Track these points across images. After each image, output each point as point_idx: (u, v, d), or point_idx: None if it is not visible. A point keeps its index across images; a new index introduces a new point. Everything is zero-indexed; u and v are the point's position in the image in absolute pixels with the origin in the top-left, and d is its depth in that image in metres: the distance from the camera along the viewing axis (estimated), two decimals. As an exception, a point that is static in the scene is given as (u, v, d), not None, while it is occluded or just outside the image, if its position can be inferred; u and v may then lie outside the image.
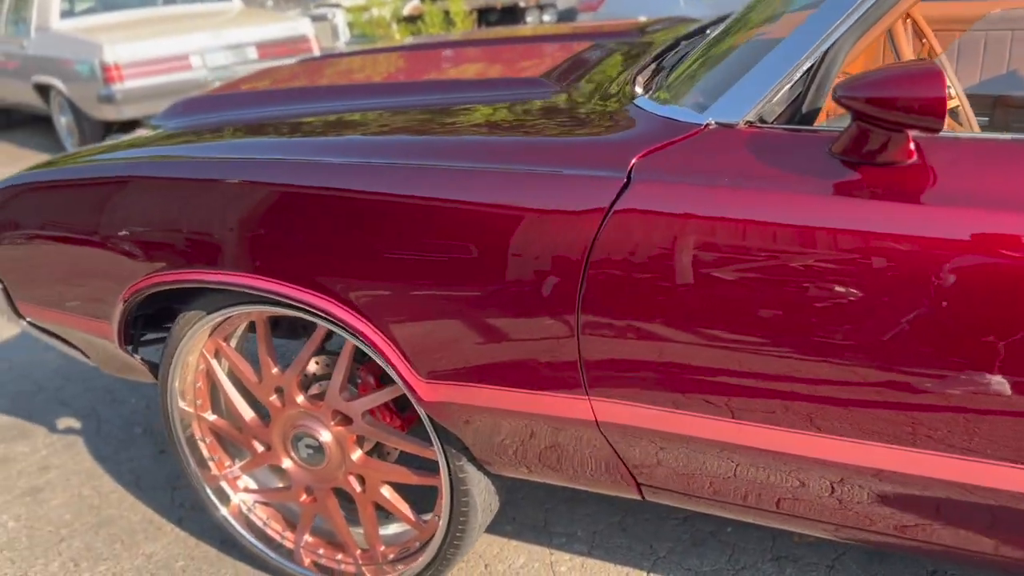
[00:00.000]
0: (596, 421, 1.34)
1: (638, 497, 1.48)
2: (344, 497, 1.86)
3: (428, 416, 1.56)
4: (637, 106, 1.34)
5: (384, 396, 1.63)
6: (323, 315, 1.49)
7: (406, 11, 7.48)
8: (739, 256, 1.13)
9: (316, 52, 6.84)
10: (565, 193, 1.24)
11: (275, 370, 1.71)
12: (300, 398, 1.71)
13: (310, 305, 1.48)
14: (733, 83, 1.21)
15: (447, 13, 6.80)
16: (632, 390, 1.28)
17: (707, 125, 1.21)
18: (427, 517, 1.78)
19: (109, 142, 1.98)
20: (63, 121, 6.81)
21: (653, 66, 1.61)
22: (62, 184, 1.78)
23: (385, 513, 1.87)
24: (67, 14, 6.85)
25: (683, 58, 1.59)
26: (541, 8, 6.77)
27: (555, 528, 2.00)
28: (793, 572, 1.78)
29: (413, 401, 1.54)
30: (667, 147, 1.21)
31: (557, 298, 1.26)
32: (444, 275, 1.34)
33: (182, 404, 1.85)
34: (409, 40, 2.80)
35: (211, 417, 1.86)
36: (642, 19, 2.38)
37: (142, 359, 1.87)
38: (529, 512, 2.06)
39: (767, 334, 1.14)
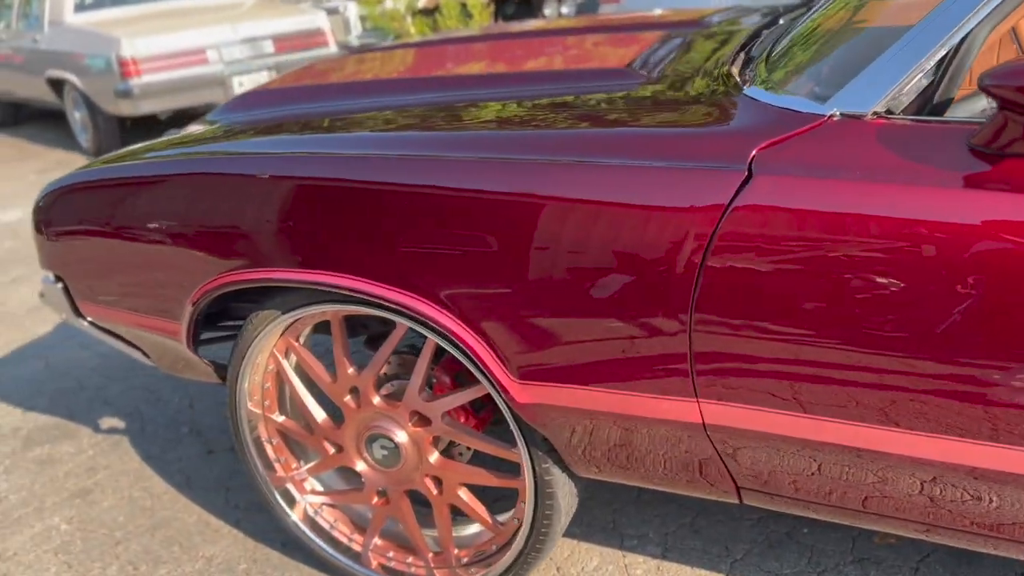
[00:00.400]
0: (703, 424, 1.30)
1: (735, 500, 1.44)
2: (414, 499, 1.82)
3: (514, 418, 1.52)
4: (748, 96, 1.30)
5: (466, 396, 1.59)
6: (410, 314, 1.44)
7: (421, 4, 7.41)
8: (869, 254, 1.09)
9: (332, 46, 6.79)
10: (680, 187, 1.19)
11: (351, 370, 1.67)
12: (376, 399, 1.67)
13: (397, 304, 1.44)
14: (856, 72, 1.17)
15: (464, 5, 6.73)
16: (744, 392, 1.24)
17: (831, 116, 1.16)
18: (502, 519, 1.74)
19: (169, 138, 1.94)
20: (77, 116, 6.75)
21: (743, 55, 1.56)
22: (128, 182, 1.73)
23: (458, 515, 1.84)
24: (81, 7, 6.79)
25: (774, 46, 1.54)
26: (559, 0, 6.71)
27: (626, 530, 1.97)
28: (877, 575, 1.74)
29: (501, 403, 1.50)
30: (789, 139, 1.17)
31: (669, 297, 1.22)
32: (545, 272, 1.30)
33: (249, 405, 1.81)
34: (451, 34, 2.75)
35: (279, 418, 1.82)
36: (704, 8, 2.33)
37: (208, 360, 1.83)
38: (597, 513, 2.03)
39: (896, 334, 1.10)
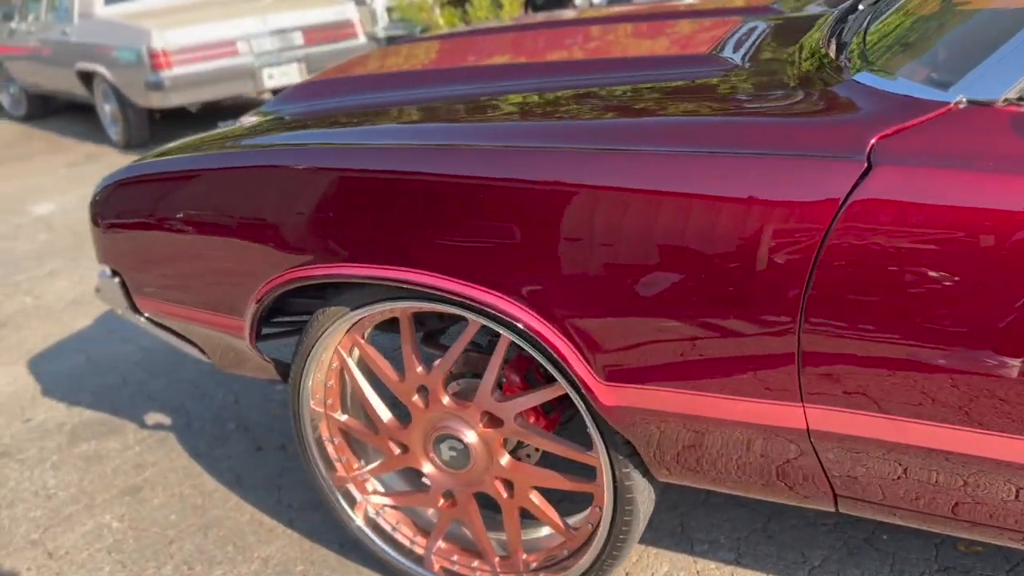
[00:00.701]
0: (808, 430, 1.23)
1: (831, 508, 1.37)
2: (480, 501, 1.76)
3: (594, 420, 1.46)
4: (858, 82, 1.22)
5: (541, 397, 1.53)
6: (489, 311, 1.38)
7: (451, -6, 7.35)
8: (1003, 249, 1.02)
9: (361, 37, 6.73)
10: (792, 178, 1.13)
11: (420, 369, 1.61)
12: (446, 399, 1.61)
13: (475, 301, 1.38)
14: (981, 58, 1.09)
15: (495, -5, 6.67)
16: (855, 397, 1.17)
17: (956, 103, 1.09)
18: (572, 521, 1.68)
19: (226, 130, 1.88)
20: (107, 109, 6.74)
21: (834, 41, 1.48)
22: (189, 175, 1.68)
23: (525, 518, 1.78)
24: (111, 0, 6.76)
25: (867, 30, 1.46)
26: (591, -11, 6.63)
27: (695, 534, 1.90)
28: (964, 584, 1.67)
29: (581, 404, 1.44)
30: (911, 127, 1.09)
31: (778, 294, 1.15)
32: (640, 267, 1.23)
33: (312, 403, 1.75)
34: (507, 22, 2.69)
35: (342, 417, 1.77)
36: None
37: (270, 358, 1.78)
38: (664, 517, 1.96)
39: (1030, 336, 1.03)
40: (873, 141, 1.10)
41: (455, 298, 1.41)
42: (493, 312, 1.39)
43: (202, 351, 1.93)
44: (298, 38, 6.40)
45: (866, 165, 1.09)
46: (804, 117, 1.19)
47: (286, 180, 1.53)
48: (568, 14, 2.32)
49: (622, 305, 1.27)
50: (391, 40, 8.48)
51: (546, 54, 1.78)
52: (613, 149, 1.25)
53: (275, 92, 6.82)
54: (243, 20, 6.20)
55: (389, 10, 8.79)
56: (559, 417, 1.70)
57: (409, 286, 1.44)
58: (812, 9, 1.99)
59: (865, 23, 1.54)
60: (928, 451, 1.17)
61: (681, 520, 1.95)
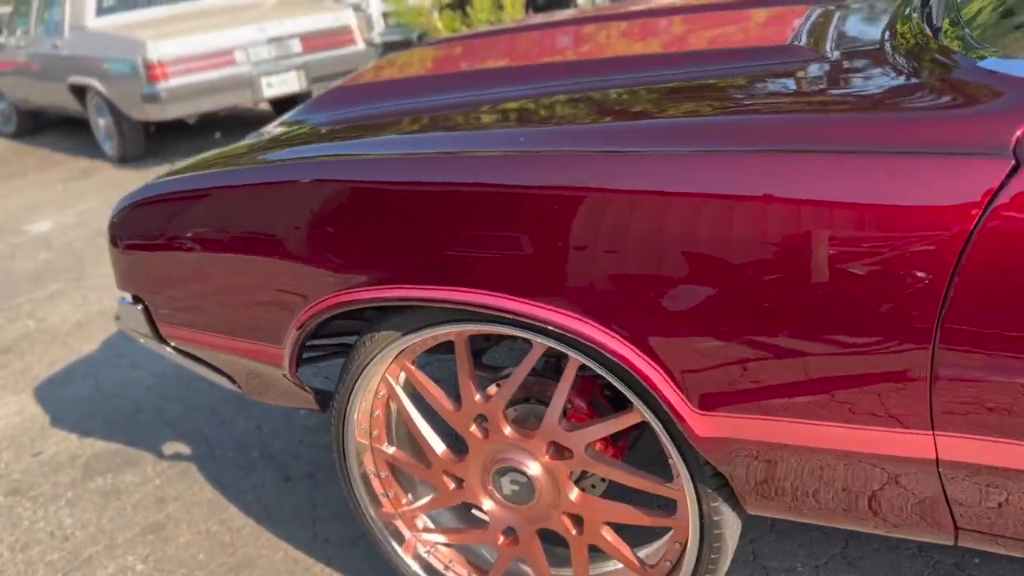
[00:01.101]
0: (937, 460, 1.10)
1: (949, 542, 1.24)
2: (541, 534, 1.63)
3: (679, 449, 1.32)
4: (982, 68, 1.09)
5: (616, 425, 1.40)
6: (561, 333, 1.25)
7: (448, -2, 7.22)
8: None
9: (360, 43, 6.60)
10: (924, 179, 1.00)
11: (478, 397, 1.48)
12: (508, 429, 1.47)
13: (547, 322, 1.25)
14: None
15: (495, -4, 6.53)
16: (997, 423, 1.04)
17: (1109, 90, 0.96)
18: (643, 554, 1.55)
19: (252, 142, 1.74)
20: (101, 123, 6.59)
21: (927, 24, 1.35)
22: (219, 191, 1.54)
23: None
24: (102, 11, 6.61)
25: (959, 9, 1.33)
26: (594, -12, 6.50)
27: (769, 562, 1.77)
28: (1071, 612, 1.54)
29: (663, 433, 1.31)
30: (1059, 119, 0.96)
31: (907, 312, 1.02)
32: (740, 282, 1.10)
33: (356, 435, 1.61)
34: (528, 20, 2.55)
35: (389, 449, 1.63)
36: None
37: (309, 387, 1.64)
38: (733, 544, 1.83)
39: None
40: (1019, 134, 0.97)
41: (523, 319, 1.28)
42: (566, 334, 1.25)
43: (232, 380, 1.79)
44: (296, 45, 6.25)
45: (1013, 162, 0.96)
46: (932, 111, 1.06)
47: (329, 196, 1.39)
48: (610, 9, 2.19)
49: (722, 323, 1.13)
50: (388, 46, 8.35)
51: (603, 50, 1.65)
52: (711, 151, 1.11)
53: (273, 102, 6.71)
54: (239, 29, 6.05)
55: (385, 15, 8.67)
56: (627, 444, 1.57)
57: (471, 307, 1.31)
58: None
59: (955, 6, 1.42)
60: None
61: (753, 547, 1.82)
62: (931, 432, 1.08)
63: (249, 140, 1.79)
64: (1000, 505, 1.13)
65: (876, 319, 1.04)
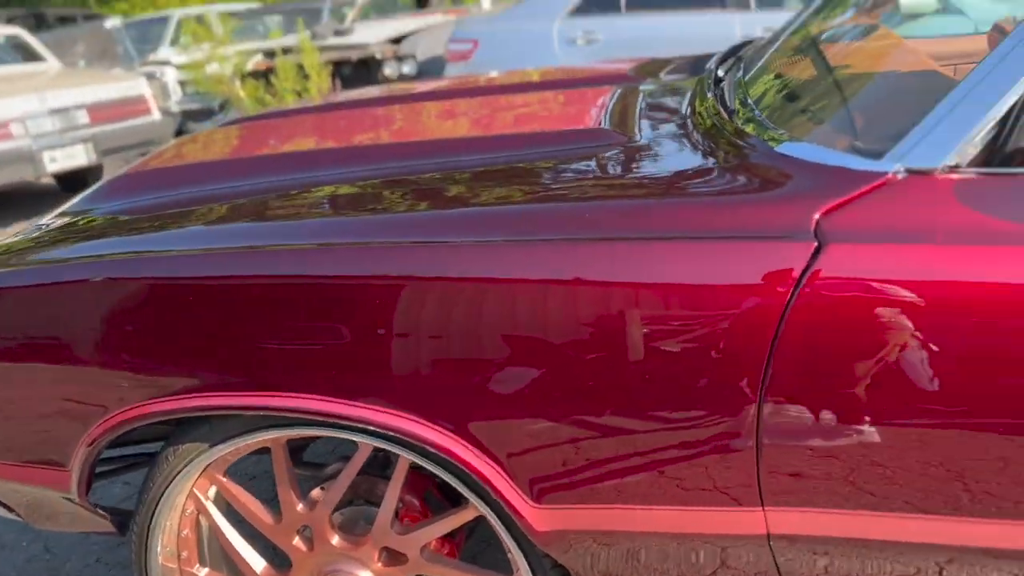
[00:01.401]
0: (768, 534, 1.11)
1: (783, 609, 1.26)
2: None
3: (517, 543, 1.27)
4: (781, 154, 1.15)
5: (452, 523, 1.33)
6: (387, 434, 1.18)
7: (251, 66, 7.01)
8: (974, 324, 0.96)
9: (155, 113, 6.27)
10: (736, 261, 1.02)
11: (300, 506, 1.36)
12: (335, 538, 1.36)
13: (371, 423, 1.17)
14: (910, 124, 1.05)
15: (300, 67, 6.41)
16: (822, 495, 1.07)
17: (894, 173, 1.03)
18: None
19: (30, 237, 1.55)
20: None
21: (723, 107, 1.42)
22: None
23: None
24: None
25: (748, 93, 1.42)
26: (400, 60, 6.55)
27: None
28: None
29: (500, 528, 1.25)
30: (852, 201, 1.02)
31: (730, 392, 1.04)
32: (574, 367, 1.08)
33: (162, 559, 1.44)
34: (346, 96, 2.49)
35: (202, 572, 1.47)
36: (637, 59, 2.22)
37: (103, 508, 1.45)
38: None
39: (1009, 419, 0.97)
40: (816, 217, 1.02)
41: (345, 422, 1.19)
42: (393, 434, 1.18)
43: (8, 508, 1.55)
44: (83, 117, 5.83)
45: (816, 243, 1.00)
46: (736, 195, 1.10)
47: (121, 295, 1.25)
48: (422, 87, 2.17)
49: (553, 413, 1.10)
50: (188, 115, 7.99)
51: (417, 131, 1.61)
52: (523, 240, 1.09)
53: (58, 177, 6.20)
54: (15, 99, 5.56)
55: (182, 83, 8.30)
56: (463, 539, 1.50)
57: (286, 413, 1.20)
58: (667, 77, 1.96)
59: (743, 86, 1.50)
60: (905, 546, 1.08)
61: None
62: (761, 508, 1.09)
63: (29, 234, 1.59)
64: (826, 568, 1.16)
65: (701, 401, 1.05)
